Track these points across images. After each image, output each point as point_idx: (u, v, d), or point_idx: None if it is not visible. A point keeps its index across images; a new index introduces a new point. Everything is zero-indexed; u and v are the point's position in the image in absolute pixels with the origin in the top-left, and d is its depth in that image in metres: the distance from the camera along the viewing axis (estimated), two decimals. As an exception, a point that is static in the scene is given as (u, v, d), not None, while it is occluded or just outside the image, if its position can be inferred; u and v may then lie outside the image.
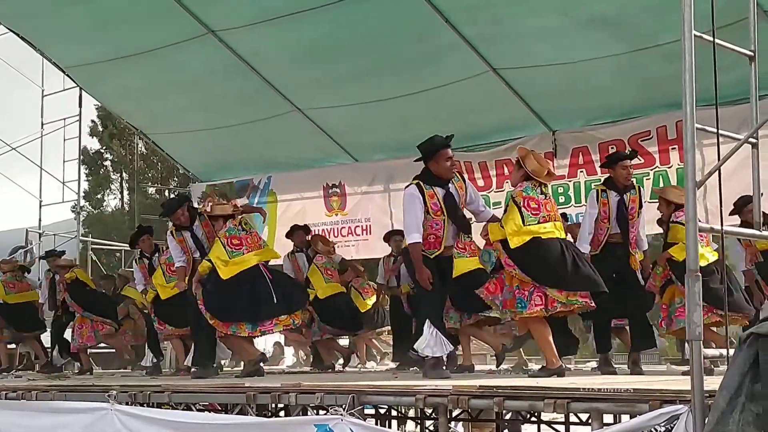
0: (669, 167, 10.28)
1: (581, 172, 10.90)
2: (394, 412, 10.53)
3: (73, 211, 20.98)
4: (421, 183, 7.01)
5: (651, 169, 10.41)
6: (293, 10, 10.04)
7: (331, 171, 13.20)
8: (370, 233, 12.72)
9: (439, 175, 7.05)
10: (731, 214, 8.20)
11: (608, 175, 7.76)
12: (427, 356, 6.87)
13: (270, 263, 8.99)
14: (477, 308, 8.17)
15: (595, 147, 10.77)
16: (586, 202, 8.46)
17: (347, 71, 10.97)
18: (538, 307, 6.64)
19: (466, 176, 7.86)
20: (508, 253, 6.74)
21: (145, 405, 6.60)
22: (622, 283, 7.45)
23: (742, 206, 8.02)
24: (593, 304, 6.80)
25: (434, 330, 6.84)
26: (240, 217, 8.83)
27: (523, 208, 6.74)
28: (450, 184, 7.08)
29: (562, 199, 10.85)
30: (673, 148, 10.22)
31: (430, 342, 6.82)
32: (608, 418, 6.77)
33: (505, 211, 6.89)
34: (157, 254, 10.27)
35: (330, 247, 10.91)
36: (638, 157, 10.35)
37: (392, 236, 10.77)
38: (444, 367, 7.03)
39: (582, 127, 10.98)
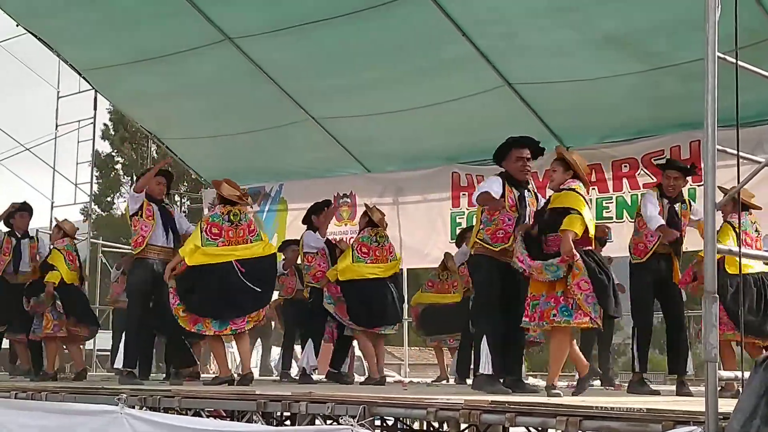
0: (681, 186, 10.26)
1: (593, 189, 10.88)
2: (400, 425, 10.48)
3: (82, 214, 21.05)
4: (502, 178, 6.73)
5: (663, 188, 10.39)
6: (310, 19, 10.08)
7: (343, 181, 13.22)
8: (379, 244, 12.68)
9: (513, 175, 6.73)
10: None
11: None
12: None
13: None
14: None
15: (608, 165, 10.77)
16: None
17: (362, 81, 10.99)
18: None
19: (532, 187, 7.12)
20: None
21: (154, 409, 6.60)
22: (665, 297, 7.26)
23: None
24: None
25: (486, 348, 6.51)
26: (236, 207, 8.04)
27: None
28: (526, 191, 6.75)
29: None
30: (686, 168, 10.20)
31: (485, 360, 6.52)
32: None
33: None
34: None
35: None
36: (650, 175, 10.41)
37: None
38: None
39: (595, 145, 10.97)
